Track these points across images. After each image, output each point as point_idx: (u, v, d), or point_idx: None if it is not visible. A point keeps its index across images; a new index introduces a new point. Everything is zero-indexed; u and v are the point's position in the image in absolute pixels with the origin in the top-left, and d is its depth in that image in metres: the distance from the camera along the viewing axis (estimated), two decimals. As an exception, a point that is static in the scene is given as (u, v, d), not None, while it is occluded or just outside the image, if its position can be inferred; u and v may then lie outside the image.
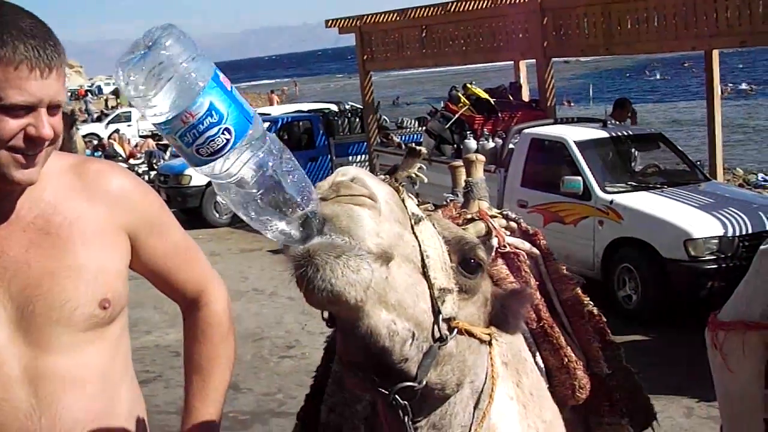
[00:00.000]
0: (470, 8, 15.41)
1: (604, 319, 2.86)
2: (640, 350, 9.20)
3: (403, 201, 1.81)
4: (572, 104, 43.65)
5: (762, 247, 3.56)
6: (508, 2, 14.48)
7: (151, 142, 27.68)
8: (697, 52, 15.29)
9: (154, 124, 1.68)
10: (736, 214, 10.05)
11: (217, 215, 18.62)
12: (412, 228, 1.78)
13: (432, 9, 16.48)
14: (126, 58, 1.64)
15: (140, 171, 25.32)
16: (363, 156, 19.47)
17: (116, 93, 47.11)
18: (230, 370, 2.61)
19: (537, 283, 2.64)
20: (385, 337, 1.72)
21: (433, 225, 1.88)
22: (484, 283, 1.98)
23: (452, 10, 15.86)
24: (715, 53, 13.94)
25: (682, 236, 9.76)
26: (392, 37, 18.04)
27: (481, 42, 15.93)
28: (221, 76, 1.68)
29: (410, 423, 1.86)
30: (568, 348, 2.58)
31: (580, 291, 2.78)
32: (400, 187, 1.86)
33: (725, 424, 3.77)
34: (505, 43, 15.38)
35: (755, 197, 11.88)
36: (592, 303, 2.84)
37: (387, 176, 2.06)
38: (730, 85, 52.42)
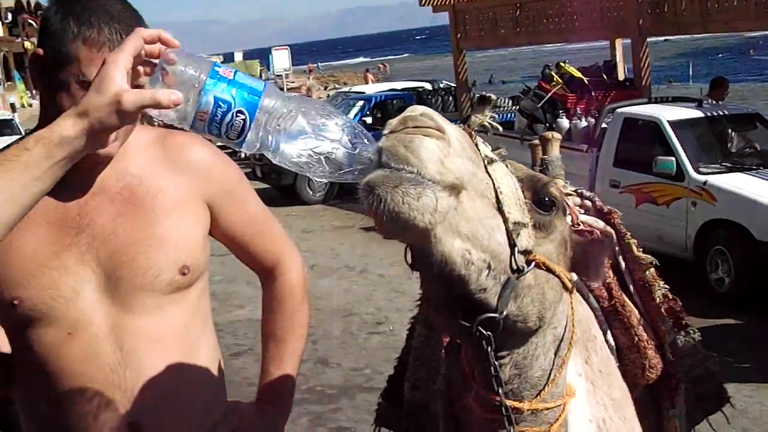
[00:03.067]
0: (565, -14, 15.30)
1: (680, 303, 2.84)
2: (731, 334, 9.08)
3: (476, 144, 1.85)
4: (672, 83, 42.83)
5: None
6: (603, -20, 14.32)
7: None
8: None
9: (189, 131, 1.89)
10: (833, 196, 9.82)
11: (311, 192, 18.79)
12: (486, 168, 1.82)
13: (527, -13, 16.39)
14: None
15: (236, 148, 25.66)
16: (456, 134, 19.45)
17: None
18: (304, 339, 2.73)
19: (610, 262, 2.66)
20: (461, 265, 1.74)
21: (507, 166, 1.91)
22: (560, 222, 2.00)
23: (547, -12, 15.76)
24: (819, 32, 13.59)
25: (777, 219, 9.56)
26: (486, 15, 17.99)
27: (576, 20, 15.80)
28: (220, 69, 1.86)
29: (493, 354, 1.90)
30: (640, 327, 2.57)
31: (653, 272, 2.77)
32: (473, 133, 1.91)
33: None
34: (599, 22, 15.23)
35: None
36: (666, 286, 2.83)
37: (460, 123, 2.10)
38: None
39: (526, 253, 1.85)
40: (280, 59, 52.18)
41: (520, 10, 16.89)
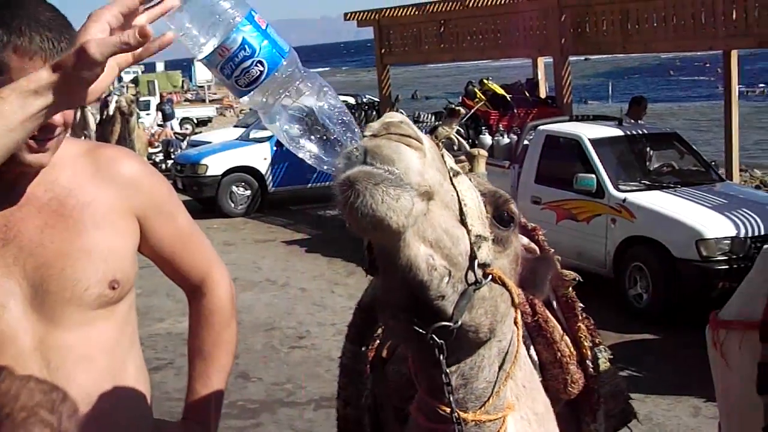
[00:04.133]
0: (488, 4, 15.49)
1: (592, 321, 2.89)
2: (649, 349, 9.25)
3: (442, 155, 1.87)
4: (588, 102, 43.55)
5: (766, 246, 3.58)
6: (526, -2, 14.51)
7: (169, 131, 27.76)
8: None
9: (200, 60, 1.87)
10: (749, 215, 10.07)
11: (233, 205, 18.68)
12: (451, 180, 1.85)
13: (450, 4, 16.53)
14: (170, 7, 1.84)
15: (157, 160, 25.41)
16: (379, 149, 19.50)
17: (135, 81, 47.27)
18: (232, 356, 2.70)
19: (534, 278, 2.68)
20: (424, 270, 1.78)
21: (470, 179, 1.95)
22: (516, 239, 2.06)
23: (470, 5, 15.92)
24: (734, 54, 13.92)
25: (694, 236, 9.77)
26: (410, 31, 18.09)
27: (499, 38, 15.97)
28: (256, 16, 1.86)
29: (445, 361, 1.92)
30: (562, 343, 2.60)
31: (571, 290, 2.81)
32: (439, 144, 1.93)
33: (723, 422, 3.79)
34: (522, 40, 15.42)
35: (770, 199, 11.87)
36: (581, 305, 2.88)
37: (428, 134, 2.13)
38: (761, 85, 52.28)
39: (484, 266, 1.89)
40: (203, 70, 51.77)
41: (444, 27, 17.01)
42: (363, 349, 3.00)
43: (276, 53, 1.84)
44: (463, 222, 1.85)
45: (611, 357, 2.96)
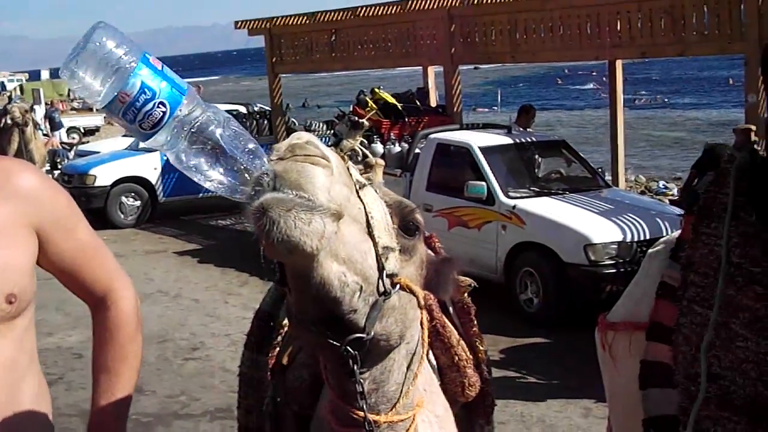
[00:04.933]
0: (379, 13, 15.59)
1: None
2: (541, 352, 9.42)
3: (348, 169, 1.92)
4: (477, 110, 44.11)
5: (650, 250, 3.68)
6: (417, 8, 14.63)
7: (56, 141, 27.15)
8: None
9: (101, 109, 1.88)
10: (635, 220, 10.33)
11: (122, 216, 18.37)
12: (357, 192, 1.90)
13: (342, 13, 16.60)
14: (68, 56, 1.83)
15: (44, 170, 24.88)
16: (271, 158, 19.45)
17: (21, 90, 46.19)
18: (137, 370, 2.64)
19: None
20: (337, 287, 1.84)
21: (375, 191, 2.01)
22: (421, 245, 2.15)
23: (362, 14, 16.00)
24: (619, 63, 14.28)
25: (582, 241, 10.00)
26: (302, 40, 18.09)
27: (390, 47, 16.08)
28: (151, 57, 1.87)
29: (359, 371, 1.99)
30: (459, 347, 2.64)
31: (467, 296, 2.86)
32: (345, 156, 1.99)
33: (612, 419, 3.89)
34: (413, 49, 15.56)
35: (654, 204, 12.20)
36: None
37: (332, 147, 2.15)
38: (645, 95, 53.63)
39: (392, 276, 1.97)
40: (90, 79, 50.82)
41: (335, 36, 17.05)
42: (262, 356, 3.00)
43: (176, 92, 1.85)
44: (370, 234, 1.91)
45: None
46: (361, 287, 1.89)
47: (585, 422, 7.55)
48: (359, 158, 2.23)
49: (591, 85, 61.41)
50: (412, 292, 2.04)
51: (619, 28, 12.01)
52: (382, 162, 2.58)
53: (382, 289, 1.94)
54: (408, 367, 2.16)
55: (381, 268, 1.93)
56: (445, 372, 2.67)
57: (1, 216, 2.30)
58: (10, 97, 30.56)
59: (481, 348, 2.78)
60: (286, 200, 1.70)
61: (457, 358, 2.63)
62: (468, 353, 2.68)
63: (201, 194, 18.81)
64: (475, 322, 2.80)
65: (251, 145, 1.86)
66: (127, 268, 10.42)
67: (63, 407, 7.32)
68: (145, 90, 1.82)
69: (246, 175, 1.82)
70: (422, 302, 2.11)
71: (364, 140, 2.31)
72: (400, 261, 2.01)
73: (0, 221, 2.29)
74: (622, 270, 9.73)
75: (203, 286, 12.81)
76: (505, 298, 10.50)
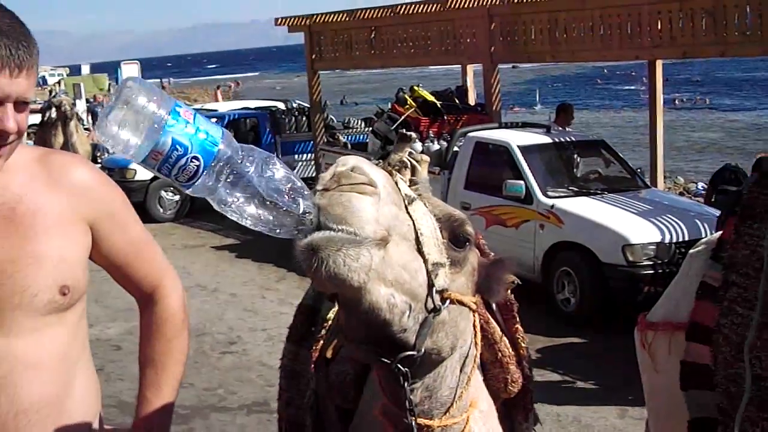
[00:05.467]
0: (419, 11, 15.55)
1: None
2: (577, 352, 9.39)
3: (396, 183, 1.95)
4: (515, 109, 43.99)
5: (691, 250, 3.68)
6: (457, 7, 14.59)
7: (96, 135, 27.38)
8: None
9: (137, 164, 1.87)
10: (674, 221, 10.28)
11: (161, 210, 18.53)
12: (406, 208, 1.93)
13: (381, 11, 16.57)
14: (102, 113, 1.83)
15: (84, 164, 25.00)
16: (309, 155, 19.50)
17: (61, 84, 46.48)
18: (183, 364, 2.70)
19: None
20: (386, 310, 1.86)
21: (425, 204, 2.03)
22: (472, 255, 2.13)
23: (401, 12, 15.98)
24: (659, 64, 14.18)
25: (621, 242, 9.96)
26: (341, 37, 18.10)
27: (429, 45, 16.05)
28: (182, 110, 1.86)
29: (409, 389, 2.02)
30: (502, 343, 2.66)
31: (510, 292, 2.87)
32: (393, 171, 2.02)
33: (651, 420, 3.88)
34: (452, 47, 15.53)
35: (692, 205, 12.11)
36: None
37: (380, 161, 2.18)
38: (686, 95, 53.18)
39: (442, 291, 1.97)
40: (130, 73, 51.15)
41: (375, 33, 17.07)
42: (305, 350, 3.04)
43: (209, 143, 1.85)
44: (419, 251, 1.92)
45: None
46: (410, 306, 1.91)
47: (621, 423, 7.54)
48: (408, 171, 2.24)
49: (630, 86, 60.97)
50: (462, 304, 2.06)
51: (659, 27, 11.92)
52: (427, 158, 2.59)
53: (431, 306, 1.95)
54: (461, 370, 2.19)
55: (430, 285, 1.94)
56: (488, 368, 2.69)
57: (56, 210, 2.34)
58: (51, 92, 30.74)
59: (523, 345, 2.79)
60: (334, 239, 1.74)
61: (500, 354, 2.65)
62: (510, 350, 2.70)
63: (240, 189, 18.91)
64: (518, 319, 2.82)
65: (293, 183, 1.86)
66: (167, 263, 10.29)
67: (103, 397, 7.38)
68: (177, 146, 1.82)
69: (289, 216, 1.83)
70: (473, 306, 2.12)
71: (413, 151, 2.31)
72: (451, 273, 2.02)
73: (55, 215, 2.34)
74: (660, 271, 9.71)
75: (241, 281, 12.88)
76: (543, 297, 10.48)
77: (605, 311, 10.15)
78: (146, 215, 18.01)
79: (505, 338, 2.70)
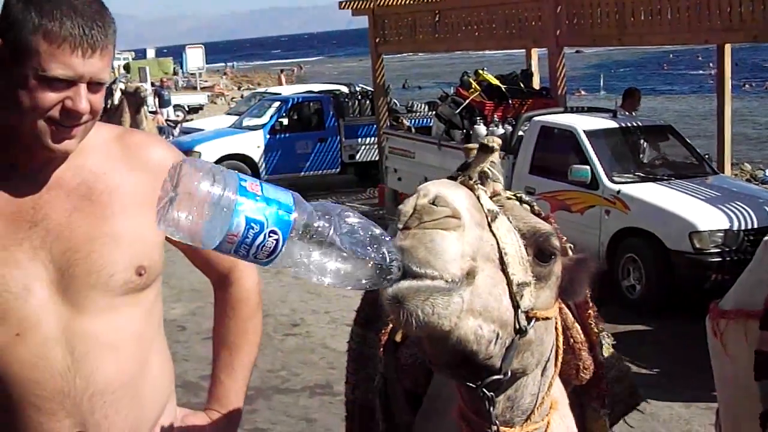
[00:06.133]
0: (484, -6, 15.46)
1: (596, 308, 2.90)
2: (642, 340, 9.29)
3: (478, 198, 1.88)
4: (580, 93, 43.56)
5: (766, 238, 3.62)
6: (522, -10, 14.50)
7: (161, 118, 27.63)
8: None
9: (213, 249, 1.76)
10: (742, 208, 10.11)
11: (228, 193, 18.65)
12: (489, 226, 1.86)
13: (446, -6, 16.52)
14: (159, 208, 1.76)
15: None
16: (372, 138, 19.53)
17: (127, 68, 47.00)
18: (257, 345, 2.70)
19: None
20: (473, 342, 1.81)
21: (508, 219, 1.94)
22: (557, 267, 2.05)
23: (466, -5, 15.91)
24: (728, 48, 13.94)
25: (688, 228, 9.81)
26: (405, 20, 18.07)
27: (494, 29, 15.96)
28: (248, 183, 1.74)
29: (493, 411, 1.98)
30: (574, 329, 2.61)
31: None
32: (475, 186, 1.93)
33: (722, 411, 3.83)
34: (517, 31, 15.43)
35: (761, 192, 11.91)
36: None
37: (459, 173, 2.12)
38: (755, 81, 52.22)
39: (527, 312, 1.91)
40: (194, 57, 51.59)
41: (439, 17, 17.00)
42: (372, 333, 3.02)
43: (283, 213, 1.74)
44: (504, 271, 1.86)
45: (614, 342, 2.98)
46: (498, 334, 1.86)
47: (687, 412, 7.44)
48: (490, 178, 2.17)
49: (697, 71, 60.09)
50: (547, 318, 2.00)
51: (729, 10, 11.71)
52: (499, 140, 2.55)
53: (517, 327, 1.90)
54: (542, 374, 2.14)
55: (516, 307, 1.88)
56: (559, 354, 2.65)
57: (134, 189, 2.33)
58: (116, 75, 31.11)
59: (595, 331, 2.74)
60: (421, 289, 1.69)
61: (572, 340, 2.59)
62: (582, 336, 2.65)
63: (303, 173, 19.05)
64: (591, 305, 2.76)
65: (371, 231, 1.76)
66: (233, 244, 10.43)
67: (168, 377, 7.46)
68: (252, 224, 1.70)
69: (373, 266, 1.73)
70: (556, 311, 2.07)
71: (495, 161, 2.23)
72: (536, 290, 1.94)
73: (132, 193, 2.32)
74: (728, 259, 9.54)
75: (304, 264, 12.91)
76: (608, 284, 10.37)
77: (671, 299, 10.02)
78: (211, 198, 18.12)
79: (577, 324, 2.65)
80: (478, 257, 1.78)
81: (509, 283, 1.86)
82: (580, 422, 2.78)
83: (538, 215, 2.59)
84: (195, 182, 1.69)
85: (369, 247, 1.74)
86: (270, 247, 1.72)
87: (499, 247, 1.85)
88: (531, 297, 1.92)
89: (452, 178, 2.06)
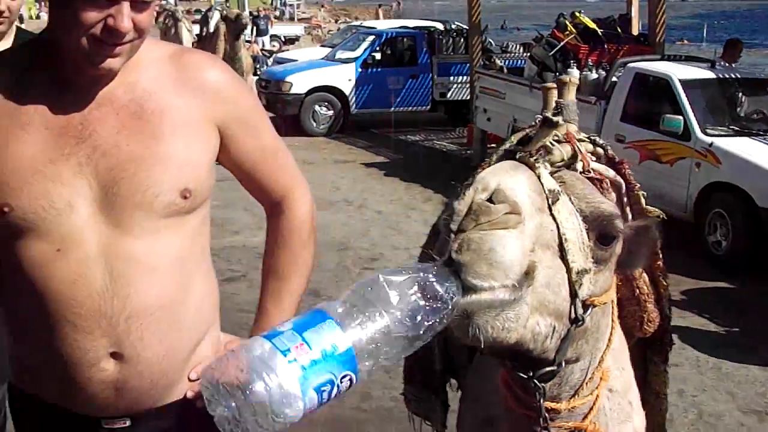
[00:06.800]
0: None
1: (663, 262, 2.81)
2: (724, 297, 9.12)
3: (539, 178, 1.81)
4: (682, 42, 42.54)
5: None
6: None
7: (256, 47, 27.78)
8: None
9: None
10: (839, 168, 9.78)
11: (315, 124, 18.73)
12: (550, 209, 1.79)
13: (548, -67, 16.15)
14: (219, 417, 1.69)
15: (249, 77, 25.43)
16: (464, 77, 19.31)
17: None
18: (307, 277, 2.62)
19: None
20: (530, 340, 1.77)
21: (570, 200, 1.87)
22: (619, 246, 1.95)
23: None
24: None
25: (781, 186, 9.52)
26: (505, -42, 17.74)
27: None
28: (294, 351, 1.65)
29: (543, 403, 1.94)
30: (641, 280, 2.54)
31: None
32: (536, 164, 1.85)
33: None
34: (619, -26, 15.06)
35: None
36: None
37: (519, 147, 2.04)
38: None
39: (585, 300, 1.85)
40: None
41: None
42: None
43: (343, 353, 1.65)
44: (564, 259, 1.79)
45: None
46: (554, 328, 1.80)
47: (763, 375, 7.27)
48: (549, 155, 2.06)
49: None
50: (605, 303, 1.93)
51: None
52: (576, 79, 2.47)
53: (573, 316, 1.83)
54: (595, 347, 2.06)
55: (574, 296, 1.82)
56: (624, 304, 2.57)
57: (185, 109, 2.29)
58: (211, 3, 31.20)
59: (663, 283, 2.65)
60: (490, 304, 1.65)
61: (638, 291, 2.53)
62: (649, 287, 2.57)
63: (393, 108, 18.98)
64: (660, 256, 2.67)
65: (421, 289, 1.66)
66: (315, 176, 10.75)
67: (243, 303, 7.54)
68: (323, 387, 1.65)
69: (438, 317, 1.66)
70: (615, 309, 2.03)
71: (557, 134, 2.12)
72: (595, 273, 1.87)
73: (183, 115, 2.28)
74: (820, 220, 9.25)
75: (388, 199, 12.94)
76: (693, 238, 10.17)
77: (757, 258, 9.77)
78: (300, 129, 18.26)
79: (645, 275, 2.57)
80: (537, 246, 1.72)
81: (569, 271, 1.79)
82: (642, 376, 2.73)
83: (611, 160, 2.52)
84: (249, 390, 1.61)
85: (427, 307, 1.66)
86: (346, 386, 1.69)
87: (559, 233, 1.78)
88: (590, 284, 1.84)
89: (512, 152, 1.97)
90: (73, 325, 2.18)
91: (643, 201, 2.47)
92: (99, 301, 2.18)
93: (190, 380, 2.38)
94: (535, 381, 1.89)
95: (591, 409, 2.10)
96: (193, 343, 2.37)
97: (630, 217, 2.66)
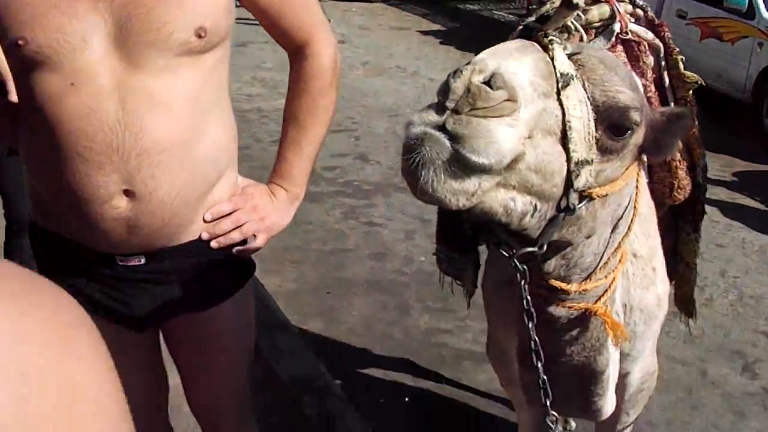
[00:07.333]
0: None
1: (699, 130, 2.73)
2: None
3: (552, 60, 1.73)
4: None
5: None
6: None
7: None
8: None
9: None
10: None
11: (373, -10, 18.50)
12: (558, 93, 1.71)
13: None
14: None
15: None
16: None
17: None
18: (326, 126, 2.58)
19: (654, 76, 2.54)
20: (502, 214, 1.70)
21: (584, 85, 1.77)
22: (636, 136, 1.84)
23: None
24: None
25: None
26: None
27: None
28: None
29: (526, 287, 1.89)
30: (675, 146, 2.50)
31: (691, 93, 2.64)
32: (550, 44, 1.77)
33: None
34: None
35: None
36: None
37: (538, 24, 1.96)
38: None
39: (581, 191, 1.77)
40: None
41: None
42: None
43: None
44: (565, 147, 1.71)
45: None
46: (536, 207, 1.72)
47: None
48: (568, 36, 1.97)
49: None
50: (605, 195, 1.83)
51: None
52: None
53: (564, 205, 1.75)
54: (613, 231, 1.99)
55: (568, 186, 1.73)
56: (654, 170, 2.54)
57: None
58: None
59: (698, 151, 2.61)
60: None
61: (669, 157, 2.49)
62: (682, 154, 2.54)
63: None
64: (696, 122, 2.61)
65: None
66: (370, 42, 10.64)
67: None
68: None
69: None
70: (635, 169, 1.91)
71: (580, 14, 2.02)
72: (601, 164, 1.78)
73: None
74: None
75: (441, 67, 12.79)
76: (749, 119, 9.98)
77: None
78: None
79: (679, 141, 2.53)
80: (536, 132, 1.65)
81: (568, 160, 1.71)
82: (672, 243, 2.72)
83: (650, 22, 2.46)
84: None
85: None
86: None
87: (564, 120, 1.70)
88: (589, 176, 1.75)
89: (529, 30, 1.90)
90: (85, 159, 2.18)
91: (681, 66, 2.42)
92: (111, 135, 2.17)
93: (204, 221, 2.39)
94: (516, 261, 1.84)
95: (605, 291, 2.07)
96: (207, 184, 2.37)
97: (667, 82, 2.62)
